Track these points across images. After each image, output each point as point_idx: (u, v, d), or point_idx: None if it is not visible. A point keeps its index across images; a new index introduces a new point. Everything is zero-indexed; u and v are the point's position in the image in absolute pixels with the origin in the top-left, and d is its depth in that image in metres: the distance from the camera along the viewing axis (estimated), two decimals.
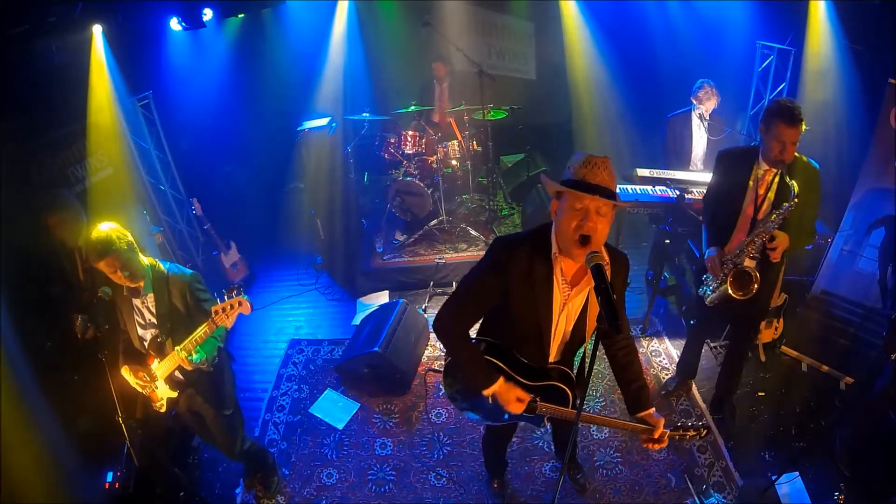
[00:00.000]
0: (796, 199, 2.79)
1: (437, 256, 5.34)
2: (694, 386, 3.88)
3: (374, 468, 3.58)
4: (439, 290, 5.20)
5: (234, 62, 5.99)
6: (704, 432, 2.28)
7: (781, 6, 5.02)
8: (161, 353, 2.74)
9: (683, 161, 4.68)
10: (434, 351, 4.47)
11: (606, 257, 2.02)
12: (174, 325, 2.73)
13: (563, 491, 3.30)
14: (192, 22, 4.68)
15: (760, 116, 2.89)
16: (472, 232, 5.65)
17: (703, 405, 3.75)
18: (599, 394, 3.90)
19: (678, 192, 4.29)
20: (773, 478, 3.01)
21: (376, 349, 3.91)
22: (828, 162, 4.41)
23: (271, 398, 4.16)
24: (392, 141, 5.75)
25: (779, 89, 5.30)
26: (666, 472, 3.37)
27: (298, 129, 6.03)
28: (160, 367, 2.75)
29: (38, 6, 3.51)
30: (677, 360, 4.06)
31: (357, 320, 4.88)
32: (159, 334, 2.74)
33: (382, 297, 5.16)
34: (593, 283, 1.86)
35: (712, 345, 4.18)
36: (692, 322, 3.65)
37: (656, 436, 2.19)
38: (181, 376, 2.83)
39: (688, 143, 4.65)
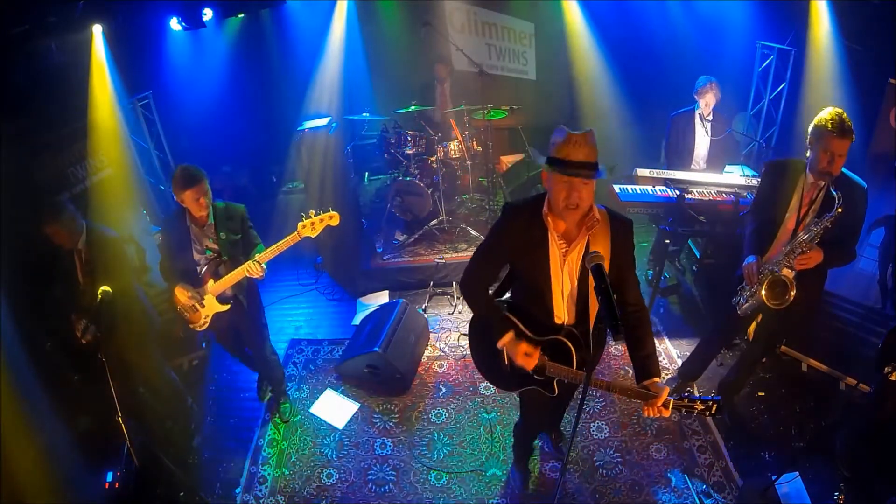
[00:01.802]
0: (840, 210, 2.74)
1: (437, 256, 5.34)
2: (695, 387, 3.88)
3: (374, 468, 3.58)
4: (439, 290, 5.20)
5: (233, 62, 6.00)
6: (714, 408, 2.23)
7: (781, 6, 5.03)
8: (216, 274, 3.25)
9: (685, 160, 4.68)
10: (434, 351, 4.47)
11: (607, 222, 2.20)
12: (230, 249, 3.25)
13: (563, 491, 3.30)
14: (192, 22, 4.69)
15: (810, 128, 2.84)
16: (472, 232, 5.65)
17: None
18: (599, 394, 3.90)
19: (678, 192, 4.29)
20: (773, 478, 3.01)
21: (376, 349, 3.91)
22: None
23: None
24: (392, 141, 5.75)
25: (779, 89, 5.30)
26: (666, 472, 3.37)
27: (298, 128, 6.03)
28: (216, 285, 3.25)
29: (38, 6, 3.51)
30: (677, 359, 4.06)
31: (357, 320, 4.88)
32: (218, 256, 3.25)
33: (382, 297, 5.16)
34: (593, 282, 1.88)
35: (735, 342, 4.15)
36: (717, 334, 3.59)
37: (659, 403, 2.22)
38: (231, 292, 3.34)
39: (690, 142, 4.64)
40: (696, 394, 3.74)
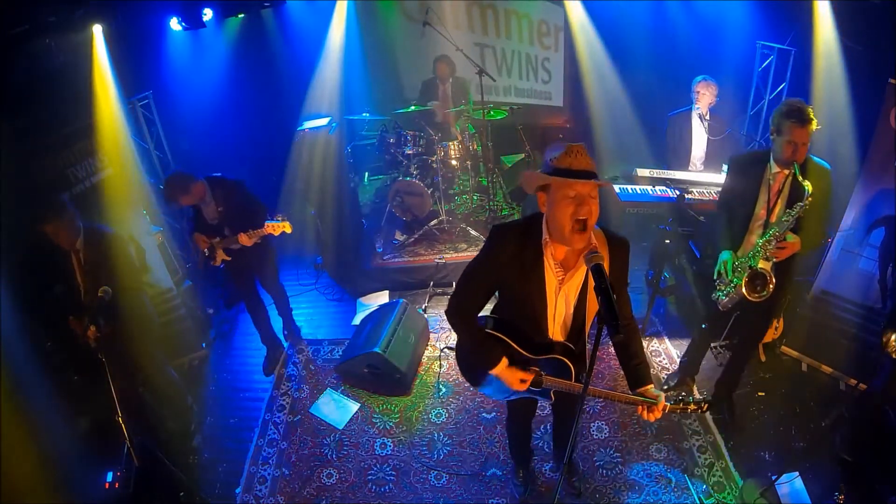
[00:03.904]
0: (810, 198, 2.79)
1: (437, 256, 5.34)
2: (694, 387, 3.88)
3: (374, 468, 3.58)
4: (439, 290, 5.20)
5: (234, 62, 5.99)
6: (706, 406, 2.35)
7: (781, 6, 5.02)
8: (221, 234, 3.98)
9: (683, 160, 4.69)
10: (434, 351, 4.47)
11: (604, 241, 2.14)
12: (229, 217, 3.92)
13: (563, 491, 3.30)
14: (192, 22, 4.69)
15: (770, 118, 2.91)
16: (472, 232, 5.65)
17: None
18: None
19: (678, 192, 4.30)
20: (773, 478, 3.01)
21: (376, 349, 3.91)
22: (828, 162, 4.42)
23: (271, 398, 4.16)
24: (392, 141, 5.75)
25: (779, 89, 5.30)
26: (666, 472, 3.37)
27: (298, 128, 6.03)
28: (218, 243, 4.01)
29: (38, 6, 3.51)
30: (677, 359, 4.07)
31: (357, 320, 4.88)
32: (221, 222, 3.97)
33: (382, 297, 5.16)
34: (592, 281, 1.88)
35: (713, 345, 4.17)
36: (703, 326, 3.63)
37: (658, 410, 2.25)
38: (237, 246, 3.98)
39: (688, 142, 4.65)
40: (694, 393, 3.79)
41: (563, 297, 2.24)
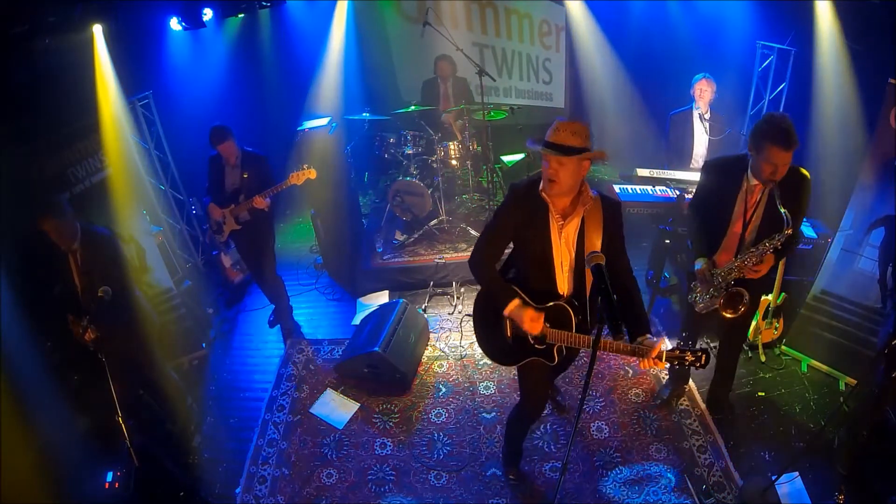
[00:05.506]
0: (789, 231, 2.69)
1: (437, 256, 5.34)
2: (694, 386, 3.88)
3: (374, 468, 3.58)
4: (439, 290, 5.20)
5: (234, 62, 6.00)
6: (704, 359, 2.37)
7: (781, 6, 5.02)
8: (237, 202, 4.28)
9: (685, 159, 4.69)
10: (434, 351, 4.47)
11: (599, 203, 2.47)
12: (250, 185, 4.24)
13: (563, 491, 3.30)
14: (192, 22, 4.70)
15: (749, 133, 2.73)
16: (472, 232, 5.65)
17: (703, 405, 3.74)
18: (599, 394, 3.90)
19: (678, 192, 4.30)
20: (773, 478, 3.01)
21: (376, 349, 3.91)
22: (828, 162, 4.43)
23: (271, 398, 4.16)
24: (392, 141, 5.75)
25: (779, 89, 5.30)
26: (666, 472, 3.37)
27: (298, 128, 6.03)
28: (235, 209, 4.29)
29: (38, 6, 3.51)
30: None
31: (357, 320, 4.88)
32: (240, 188, 4.28)
33: (382, 297, 5.16)
34: (594, 281, 1.89)
35: (712, 345, 4.17)
36: (684, 334, 3.60)
37: (653, 355, 2.37)
38: (247, 216, 4.34)
39: (689, 141, 4.66)
40: (695, 397, 3.79)
41: (564, 239, 2.51)
